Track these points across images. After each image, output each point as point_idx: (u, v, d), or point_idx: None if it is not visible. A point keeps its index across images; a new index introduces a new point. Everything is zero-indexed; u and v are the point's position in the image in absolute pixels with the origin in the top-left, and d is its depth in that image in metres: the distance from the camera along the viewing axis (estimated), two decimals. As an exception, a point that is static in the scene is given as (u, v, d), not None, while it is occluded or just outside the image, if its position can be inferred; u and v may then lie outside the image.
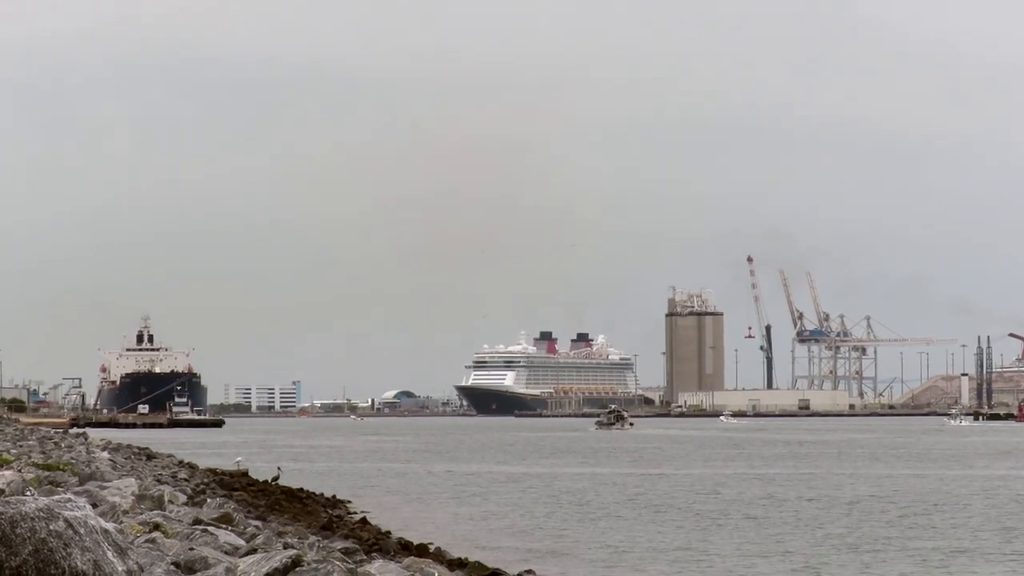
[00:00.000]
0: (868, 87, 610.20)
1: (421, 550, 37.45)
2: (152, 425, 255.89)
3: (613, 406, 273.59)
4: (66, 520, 11.02)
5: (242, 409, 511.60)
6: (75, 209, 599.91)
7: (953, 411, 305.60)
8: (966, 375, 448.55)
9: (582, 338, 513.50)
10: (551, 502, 68.13)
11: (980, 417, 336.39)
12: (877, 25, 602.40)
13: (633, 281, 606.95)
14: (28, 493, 24.80)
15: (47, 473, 35.48)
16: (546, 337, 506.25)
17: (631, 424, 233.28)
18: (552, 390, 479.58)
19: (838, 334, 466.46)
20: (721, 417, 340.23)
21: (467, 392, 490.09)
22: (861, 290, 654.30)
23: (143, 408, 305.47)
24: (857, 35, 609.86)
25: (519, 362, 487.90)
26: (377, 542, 37.79)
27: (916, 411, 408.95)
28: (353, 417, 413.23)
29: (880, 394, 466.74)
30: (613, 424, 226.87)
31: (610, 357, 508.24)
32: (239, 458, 79.05)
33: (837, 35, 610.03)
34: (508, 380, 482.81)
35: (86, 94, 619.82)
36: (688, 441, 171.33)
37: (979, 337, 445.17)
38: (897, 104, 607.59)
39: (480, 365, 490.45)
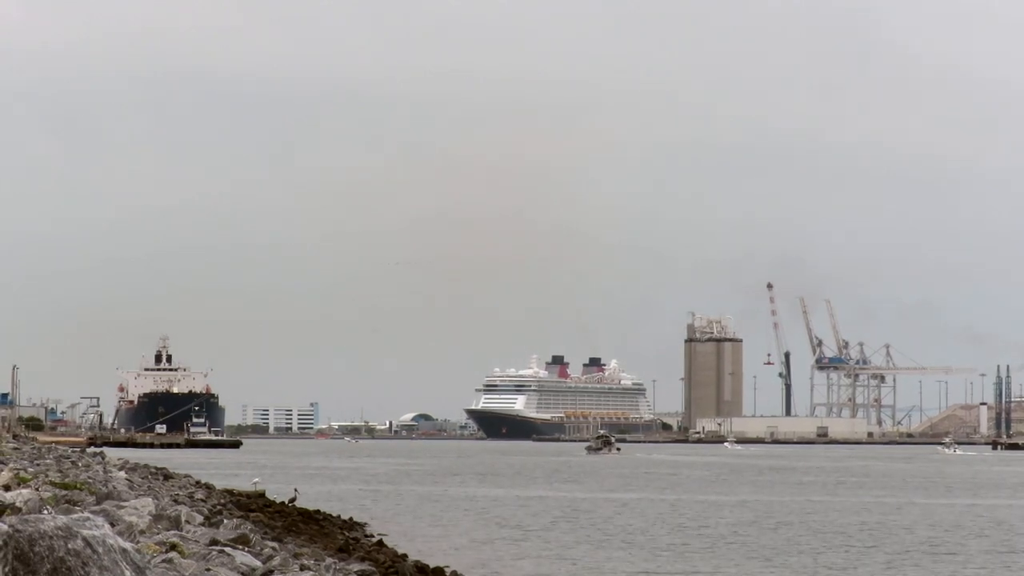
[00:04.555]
0: (886, 113, 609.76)
1: (437, 574, 37.42)
2: (169, 445, 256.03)
3: (602, 431, 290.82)
4: (84, 539, 11.01)
5: (260, 430, 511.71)
6: (95, 224, 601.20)
7: (947, 440, 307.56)
8: (985, 404, 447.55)
9: (594, 362, 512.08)
10: (555, 524, 68.08)
11: (998, 447, 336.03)
12: (896, 51, 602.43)
13: (646, 304, 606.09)
14: (45, 512, 24.81)
15: (64, 492, 35.47)
16: (558, 361, 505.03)
17: (618, 449, 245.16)
18: (563, 414, 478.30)
19: (857, 362, 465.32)
20: (726, 444, 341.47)
21: (477, 416, 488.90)
22: (873, 316, 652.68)
23: (161, 428, 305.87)
24: (877, 61, 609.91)
25: (530, 386, 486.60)
26: (393, 565, 37.74)
27: (935, 440, 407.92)
28: (348, 439, 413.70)
29: (898, 422, 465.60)
30: (600, 449, 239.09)
31: (622, 382, 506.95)
32: (256, 479, 79.04)
33: (857, 61, 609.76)
34: (519, 404, 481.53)
35: (108, 108, 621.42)
36: (667, 466, 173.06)
37: (998, 367, 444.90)
38: (915, 130, 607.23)
39: (491, 389, 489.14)
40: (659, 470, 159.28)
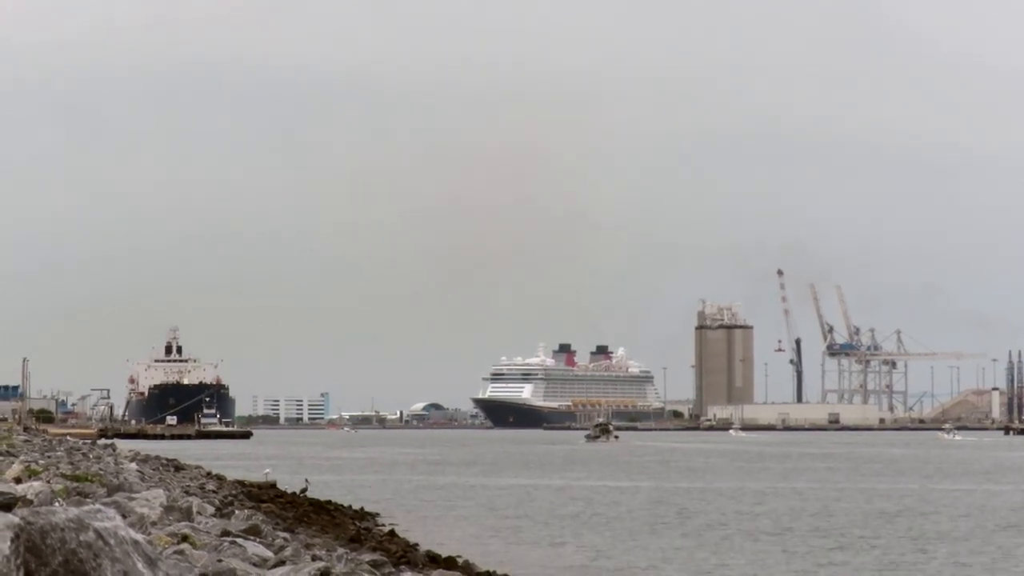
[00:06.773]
0: (895, 100, 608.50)
1: (449, 563, 37.43)
2: (180, 436, 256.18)
3: (600, 420, 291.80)
4: (96, 531, 10.98)
5: (270, 421, 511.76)
6: (103, 215, 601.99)
7: (946, 426, 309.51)
8: (997, 389, 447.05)
9: (601, 351, 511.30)
10: (565, 514, 68.10)
11: (1011, 432, 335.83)
12: (906, 38, 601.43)
13: (653, 292, 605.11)
14: (57, 504, 24.82)
15: (75, 484, 35.47)
16: (565, 349, 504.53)
17: (616, 437, 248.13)
18: (571, 403, 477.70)
19: (868, 348, 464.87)
20: (730, 431, 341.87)
21: (484, 405, 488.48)
22: (884, 302, 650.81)
23: (171, 419, 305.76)
24: (887, 48, 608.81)
25: (537, 375, 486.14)
26: (405, 555, 37.76)
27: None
28: (346, 429, 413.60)
29: (910, 408, 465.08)
30: (599, 437, 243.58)
31: (630, 370, 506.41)
32: (267, 470, 79.13)
33: (863, 47, 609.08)
34: (526, 393, 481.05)
35: (112, 99, 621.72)
36: (654, 454, 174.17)
37: (1010, 352, 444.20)
38: (924, 117, 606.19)
39: (497, 377, 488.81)
40: (650, 458, 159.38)
